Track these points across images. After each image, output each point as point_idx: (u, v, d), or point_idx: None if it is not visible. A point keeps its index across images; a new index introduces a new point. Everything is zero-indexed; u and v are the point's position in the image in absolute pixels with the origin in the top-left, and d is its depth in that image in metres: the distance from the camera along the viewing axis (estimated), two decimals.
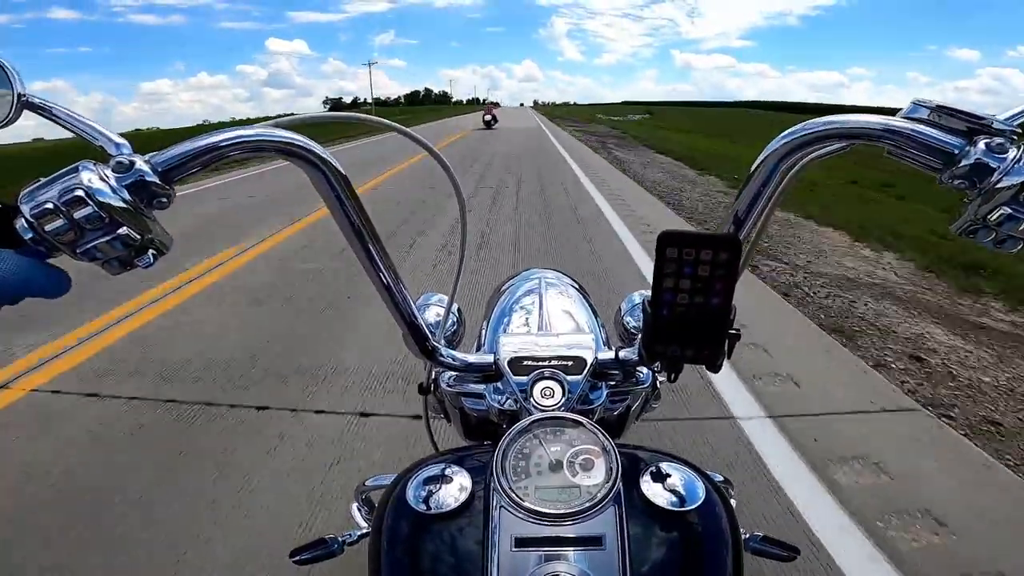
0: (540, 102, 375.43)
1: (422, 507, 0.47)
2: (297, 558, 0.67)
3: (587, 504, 0.45)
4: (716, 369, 0.47)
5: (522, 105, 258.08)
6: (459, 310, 0.81)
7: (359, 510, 0.90)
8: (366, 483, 0.91)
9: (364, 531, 0.75)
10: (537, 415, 0.52)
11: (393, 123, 0.53)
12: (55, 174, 0.36)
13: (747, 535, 0.64)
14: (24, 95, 0.40)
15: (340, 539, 0.70)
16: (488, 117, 22.22)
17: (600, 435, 0.49)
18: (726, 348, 0.46)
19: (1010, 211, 0.36)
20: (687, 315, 0.45)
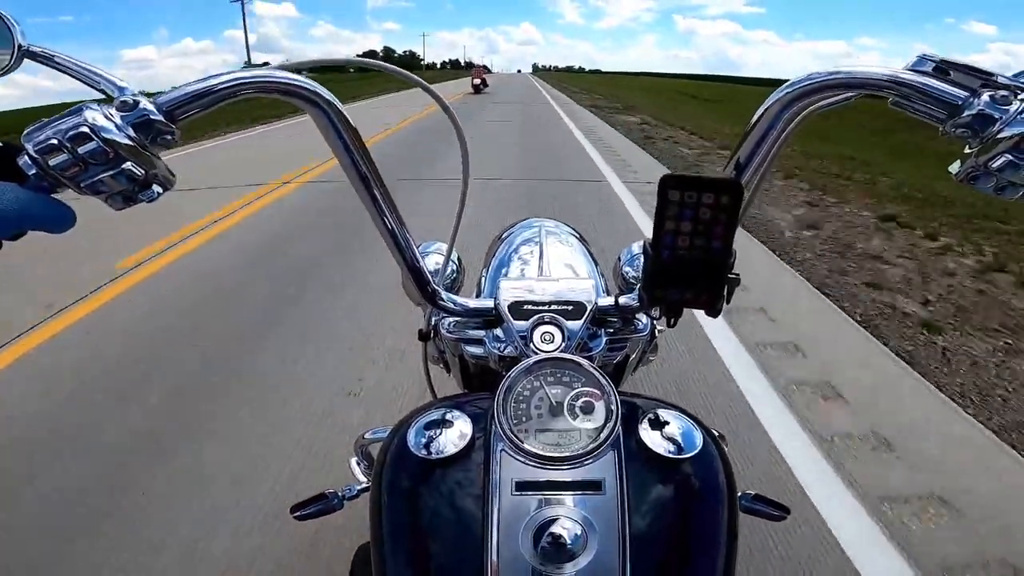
0: (541, 66, 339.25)
1: (423, 452, 0.48)
2: (297, 514, 0.67)
3: (587, 447, 0.45)
4: (715, 313, 0.48)
5: (519, 72, 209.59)
6: (459, 258, 0.81)
7: (358, 464, 0.90)
8: (365, 436, 0.91)
9: (364, 485, 0.75)
10: (538, 356, 0.52)
11: (399, 69, 0.52)
12: (58, 115, 0.36)
13: (739, 493, 0.65)
14: (24, 45, 0.40)
15: (340, 494, 0.71)
16: (477, 81, 22.13)
17: (600, 377, 0.49)
18: (725, 292, 0.47)
19: (1011, 158, 0.36)
20: (687, 259, 0.45)
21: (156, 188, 0.39)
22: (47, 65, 0.41)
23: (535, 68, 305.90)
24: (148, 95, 0.38)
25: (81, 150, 0.35)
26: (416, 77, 0.53)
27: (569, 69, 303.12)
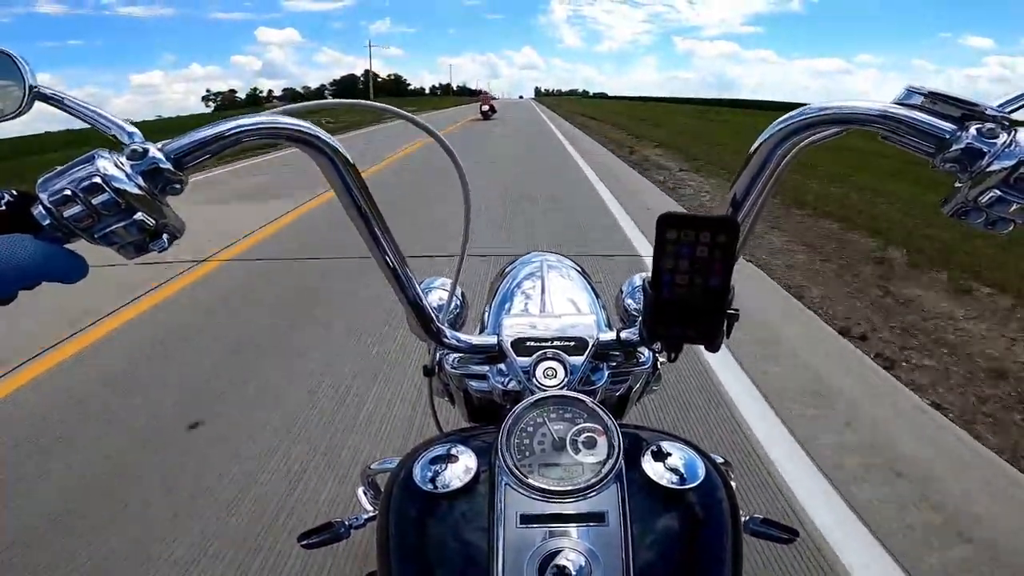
0: (544, 90, 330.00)
1: (429, 487, 0.48)
2: (305, 542, 0.68)
3: (590, 481, 0.45)
4: (715, 349, 0.48)
5: (521, 98, 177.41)
6: (462, 294, 0.82)
7: (365, 493, 0.91)
8: (371, 466, 0.92)
9: (370, 515, 0.75)
10: (541, 394, 0.52)
11: (395, 108, 0.54)
12: (71, 162, 0.36)
13: (747, 517, 0.65)
14: (35, 86, 0.40)
15: (347, 523, 0.71)
16: (485, 108, 22.34)
17: (602, 413, 0.50)
18: (725, 328, 0.47)
19: (1000, 193, 0.36)
20: (687, 296, 0.45)
21: (166, 237, 0.39)
22: (57, 107, 0.41)
23: (537, 92, 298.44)
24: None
25: (94, 201, 0.35)
26: (413, 116, 0.54)
27: (573, 93, 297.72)
